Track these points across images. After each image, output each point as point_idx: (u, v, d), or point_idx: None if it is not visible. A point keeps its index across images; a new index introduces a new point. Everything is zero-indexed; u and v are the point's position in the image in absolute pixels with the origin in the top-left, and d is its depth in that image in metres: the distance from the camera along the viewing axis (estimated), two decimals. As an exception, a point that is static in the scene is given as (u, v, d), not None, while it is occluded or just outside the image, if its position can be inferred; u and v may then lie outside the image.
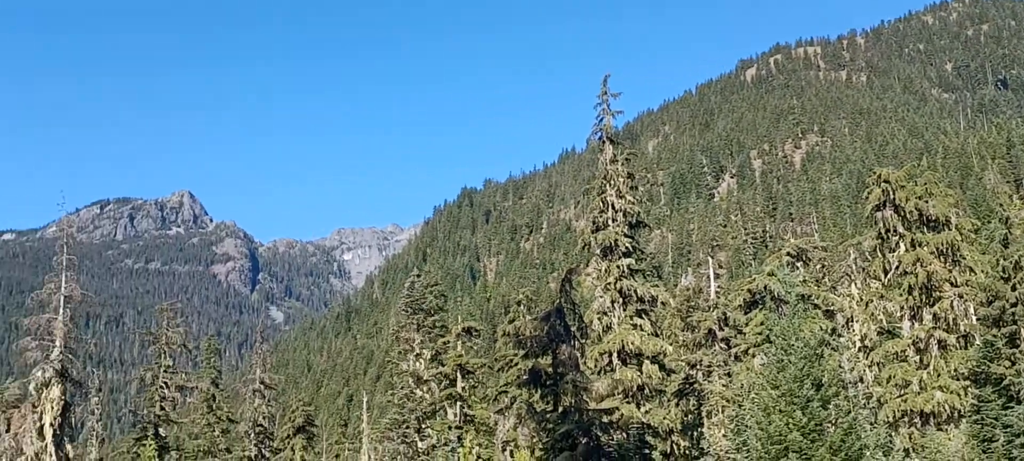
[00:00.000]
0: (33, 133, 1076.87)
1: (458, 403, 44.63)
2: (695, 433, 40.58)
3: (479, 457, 38.75)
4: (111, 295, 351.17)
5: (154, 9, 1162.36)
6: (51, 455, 26.67)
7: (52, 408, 26.90)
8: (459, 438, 41.11)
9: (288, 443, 57.42)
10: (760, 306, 45.33)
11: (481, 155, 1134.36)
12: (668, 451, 38.32)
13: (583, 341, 36.31)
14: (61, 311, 28.41)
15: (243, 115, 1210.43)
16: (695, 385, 43.30)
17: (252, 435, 53.33)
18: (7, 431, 27.94)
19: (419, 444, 43.05)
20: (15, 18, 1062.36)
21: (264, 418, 54.57)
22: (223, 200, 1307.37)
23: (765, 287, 44.95)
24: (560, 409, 32.80)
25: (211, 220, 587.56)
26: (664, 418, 37.20)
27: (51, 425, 26.90)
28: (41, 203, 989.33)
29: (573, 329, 34.52)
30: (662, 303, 38.37)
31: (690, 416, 41.55)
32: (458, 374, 45.11)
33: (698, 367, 46.27)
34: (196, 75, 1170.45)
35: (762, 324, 42.76)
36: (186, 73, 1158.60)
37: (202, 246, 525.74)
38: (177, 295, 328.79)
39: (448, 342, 46.38)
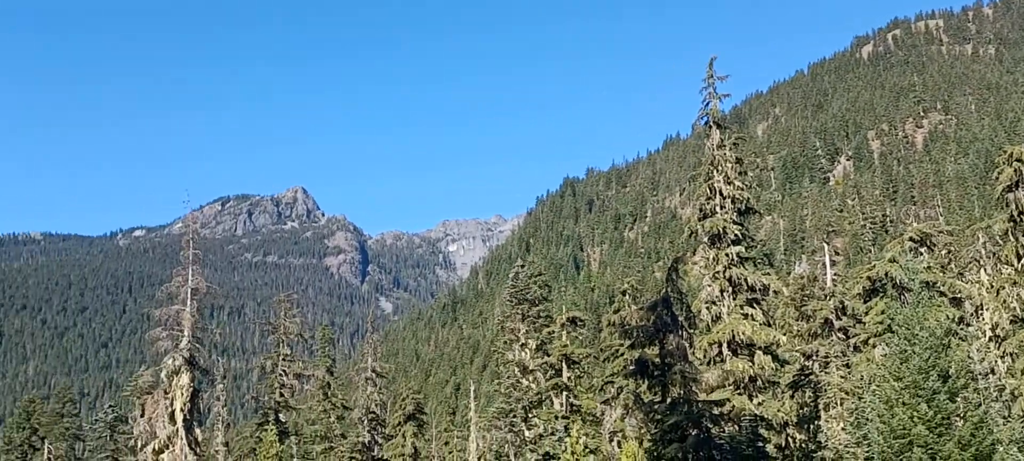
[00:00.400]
0: (160, 134, 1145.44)
1: (564, 393, 44.62)
2: (812, 426, 39.15)
3: (586, 447, 38.58)
4: (233, 287, 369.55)
5: (260, 6, 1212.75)
6: (182, 439, 28.26)
7: (182, 394, 28.50)
8: (566, 428, 41.08)
9: (399, 430, 58.98)
10: (881, 294, 43.20)
11: (583, 144, 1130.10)
12: (783, 444, 37.09)
13: (691, 331, 35.61)
14: (188, 303, 29.99)
15: (351, 110, 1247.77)
16: (811, 376, 41.75)
17: (365, 421, 54.99)
18: (141, 416, 29.78)
19: (526, 433, 43.31)
20: (138, 19, 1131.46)
21: (376, 405, 56.17)
22: (334, 195, 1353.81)
23: (886, 274, 42.79)
24: (668, 400, 32.28)
25: (323, 214, 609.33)
26: (778, 410, 35.99)
27: (181, 410, 28.50)
28: (168, 201, 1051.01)
29: (680, 319, 33.88)
30: (774, 292, 37.13)
31: (806, 408, 40.10)
32: (563, 364, 45.08)
33: (814, 358, 44.59)
34: (307, 72, 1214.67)
35: (883, 313, 40.72)
36: (297, 70, 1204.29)
37: (315, 239, 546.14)
38: (293, 287, 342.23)
39: (553, 332, 46.40)
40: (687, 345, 33.96)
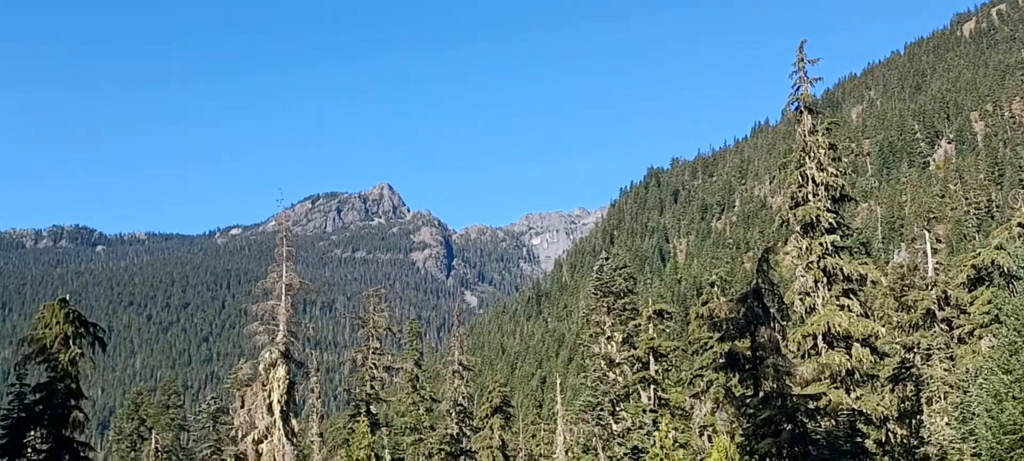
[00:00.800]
0: (252, 133, 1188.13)
1: (652, 386, 44.10)
2: (913, 421, 37.57)
3: (675, 441, 38.03)
4: (323, 282, 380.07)
5: (339, 4, 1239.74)
6: (279, 429, 29.26)
7: (279, 386, 29.50)
8: (654, 421, 40.59)
9: (487, 422, 59.49)
10: (987, 283, 41.07)
11: (667, 134, 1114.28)
12: (883, 440, 35.70)
13: (784, 323, 34.61)
14: (283, 298, 31.02)
15: (434, 106, 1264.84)
16: (912, 369, 40.03)
17: (453, 414, 55.68)
18: (241, 407, 30.98)
19: (614, 426, 43.00)
20: (230, 20, 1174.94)
21: (463, 398, 56.80)
22: (418, 190, 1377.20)
23: (992, 262, 40.64)
24: (761, 394, 31.44)
25: (408, 210, 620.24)
26: (877, 405, 34.66)
27: (278, 402, 29.51)
28: (262, 200, 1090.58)
29: (772, 311, 32.95)
30: (872, 282, 35.77)
31: (907, 403, 38.50)
32: (651, 357, 44.55)
33: (915, 350, 42.73)
34: (389, 67, 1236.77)
35: (990, 303, 38.69)
36: (379, 66, 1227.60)
37: (401, 235, 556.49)
38: (380, 282, 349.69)
39: (639, 325, 45.91)
40: (780, 338, 33.01)
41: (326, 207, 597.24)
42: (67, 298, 35.55)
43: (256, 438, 29.10)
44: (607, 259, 49.21)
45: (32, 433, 31.24)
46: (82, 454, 32.84)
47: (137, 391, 73.90)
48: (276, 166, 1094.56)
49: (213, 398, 45.32)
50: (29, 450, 30.92)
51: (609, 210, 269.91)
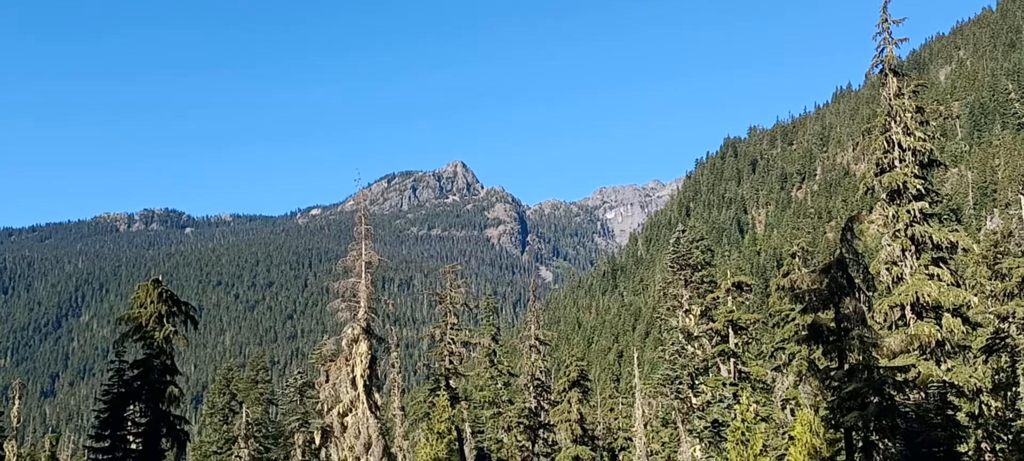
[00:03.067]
0: (330, 115, 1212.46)
1: (731, 359, 43.47)
2: (1009, 393, 35.99)
3: (756, 415, 37.47)
4: (401, 260, 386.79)
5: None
6: (363, 402, 30.05)
7: (361, 361, 30.27)
8: (735, 395, 40.06)
9: (565, 396, 59.73)
10: (1091, 249, 38.82)
11: (744, 102, 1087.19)
12: (976, 413, 34.38)
13: (869, 294, 33.56)
14: (363, 275, 31.70)
15: (505, 82, 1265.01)
16: (1007, 340, 38.26)
17: (531, 388, 56.11)
18: (326, 381, 31.91)
19: (693, 399, 42.62)
20: (308, 5, 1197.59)
21: (541, 372, 57.15)
22: (491, 167, 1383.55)
23: (1097, 227, 38.36)
24: (846, 366, 30.63)
25: (482, 187, 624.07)
26: (970, 377, 33.35)
27: (362, 376, 30.29)
28: (340, 180, 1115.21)
29: (857, 281, 31.97)
30: (963, 249, 34.32)
31: (1002, 374, 36.89)
32: (730, 330, 43.89)
33: (1011, 320, 40.82)
34: (460, 45, 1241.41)
35: (1094, 270, 36.61)
36: (449, 44, 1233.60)
37: (475, 212, 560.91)
38: (456, 258, 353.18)
39: (718, 298, 45.22)
40: (865, 309, 32.03)
41: (401, 186, 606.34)
42: (160, 279, 37.21)
43: (341, 411, 29.98)
44: (684, 232, 48.55)
45: (131, 407, 32.92)
46: (178, 427, 34.47)
47: (227, 367, 76.90)
48: (352, 146, 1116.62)
49: (299, 373, 46.84)
50: (129, 423, 32.60)
51: (684, 182, 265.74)
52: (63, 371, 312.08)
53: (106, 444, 32.06)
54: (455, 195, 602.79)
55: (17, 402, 54.27)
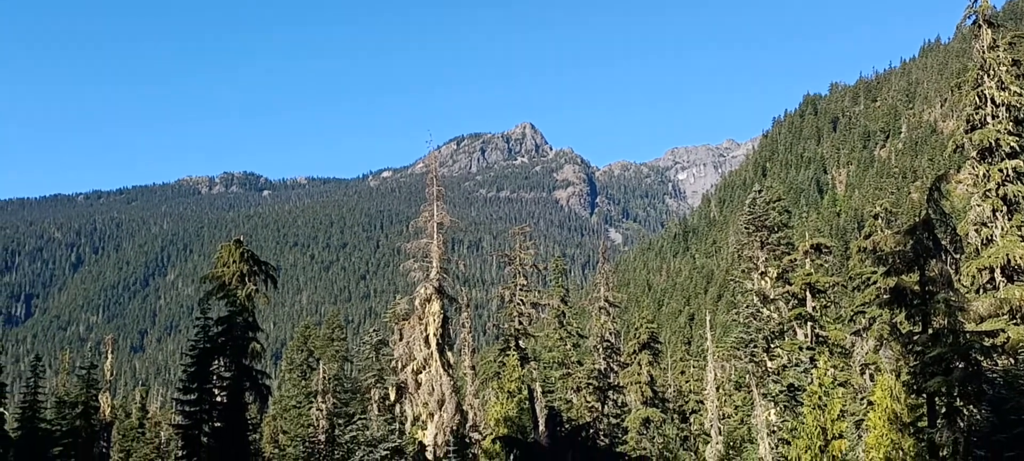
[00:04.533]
0: (399, 78, 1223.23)
1: (808, 323, 42.50)
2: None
3: (834, 380, 36.61)
4: (470, 222, 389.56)
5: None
6: (436, 360, 30.58)
7: (434, 320, 30.76)
8: (812, 359, 39.21)
9: (634, 358, 59.54)
10: None
11: (825, 59, 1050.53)
12: (1070, 381, 32.80)
13: (956, 256, 32.27)
14: (435, 236, 32.08)
15: (575, 42, 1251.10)
16: (1107, 306, 36.28)
17: (600, 349, 56.09)
18: (400, 339, 32.56)
19: (768, 364, 41.90)
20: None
21: (610, 334, 57.03)
22: (560, 128, 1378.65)
23: None
24: (930, 331, 29.62)
25: (551, 148, 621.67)
26: (1064, 343, 31.78)
27: (434, 334, 30.80)
28: (409, 142, 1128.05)
29: (944, 242, 30.78)
30: (1060, 210, 32.51)
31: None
32: (807, 293, 42.85)
33: (1111, 285, 38.66)
34: (528, 7, 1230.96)
35: None
36: (518, 6, 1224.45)
37: (544, 173, 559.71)
38: (524, 220, 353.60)
39: (795, 260, 44.13)
40: (952, 271, 30.84)
41: (470, 148, 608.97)
42: (241, 239, 38.38)
43: (415, 368, 30.58)
44: (760, 192, 47.38)
45: (216, 362, 34.23)
46: (260, 381, 35.73)
47: (305, 325, 79.19)
48: (422, 109, 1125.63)
49: (374, 331, 47.91)
50: (214, 377, 33.93)
51: (761, 141, 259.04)
52: (151, 328, 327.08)
53: (193, 397, 33.47)
54: (524, 157, 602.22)
55: (110, 357, 57.12)
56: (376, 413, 42.03)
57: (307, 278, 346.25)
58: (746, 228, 45.74)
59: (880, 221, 38.55)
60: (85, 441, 49.72)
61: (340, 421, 48.46)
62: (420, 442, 32.62)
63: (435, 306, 30.92)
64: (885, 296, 32.62)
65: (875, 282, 36.54)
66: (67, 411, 50.86)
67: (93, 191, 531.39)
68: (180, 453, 35.02)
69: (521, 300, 51.43)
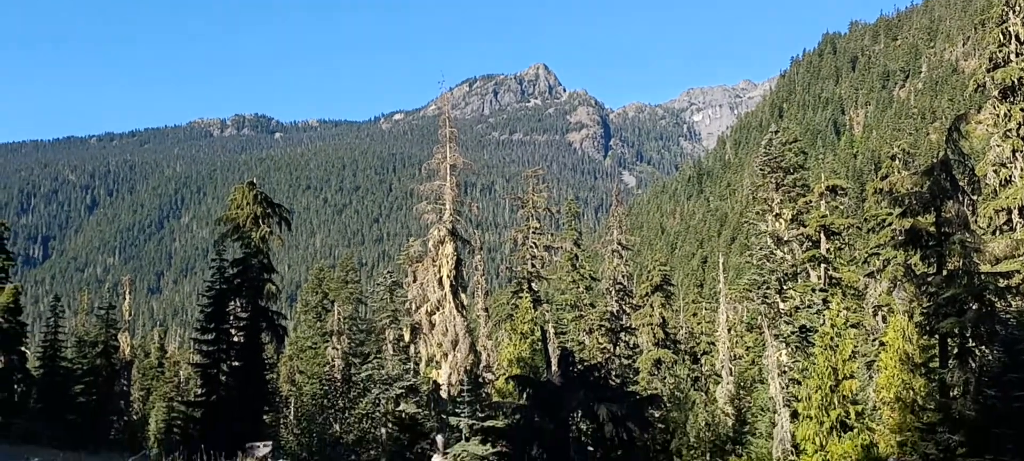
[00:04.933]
0: (410, 19, 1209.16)
1: (822, 265, 42.39)
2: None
3: (846, 321, 36.67)
4: (483, 164, 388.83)
5: None
6: (450, 301, 30.77)
7: (447, 262, 30.85)
8: (824, 301, 39.20)
9: (647, 300, 59.79)
10: None
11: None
12: (1085, 323, 32.70)
13: (974, 197, 31.93)
14: (448, 177, 31.94)
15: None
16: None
17: (612, 292, 56.25)
18: (414, 281, 32.73)
19: (781, 305, 41.92)
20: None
21: (623, 277, 57.12)
22: (574, 70, 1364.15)
23: None
24: (945, 272, 29.47)
25: (564, 90, 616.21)
26: (1081, 285, 31.61)
27: (448, 276, 30.93)
28: (421, 85, 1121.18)
29: (961, 183, 30.39)
30: (1082, 151, 32.05)
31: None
32: (822, 235, 42.64)
33: None
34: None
35: None
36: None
37: (557, 116, 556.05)
38: (537, 163, 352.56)
39: (810, 202, 43.82)
40: (968, 213, 30.51)
41: (483, 90, 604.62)
42: (254, 181, 38.46)
43: (429, 310, 30.80)
44: (776, 133, 46.81)
45: (232, 303, 34.62)
46: (276, 322, 36.16)
47: (319, 268, 79.77)
48: (434, 51, 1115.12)
49: (388, 272, 48.19)
50: (231, 317, 34.35)
51: (778, 82, 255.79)
52: (167, 269, 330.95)
53: (211, 337, 33.95)
54: (537, 99, 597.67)
55: (127, 297, 57.84)
56: (391, 353, 42.54)
57: (320, 221, 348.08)
58: (761, 170, 45.36)
59: (898, 162, 38.15)
60: (106, 379, 50.68)
61: (355, 361, 49.13)
62: (434, 381, 33.04)
63: (448, 248, 30.99)
64: (900, 237, 32.43)
65: (890, 224, 36.31)
66: (87, 350, 51.75)
67: (106, 133, 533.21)
68: (199, 391, 35.68)
69: (534, 243, 51.49)
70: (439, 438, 30.12)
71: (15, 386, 46.13)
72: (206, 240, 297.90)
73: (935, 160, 30.36)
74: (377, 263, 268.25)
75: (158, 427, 61.27)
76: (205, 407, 33.29)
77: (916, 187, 29.66)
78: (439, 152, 32.91)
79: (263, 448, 25.44)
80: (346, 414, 43.49)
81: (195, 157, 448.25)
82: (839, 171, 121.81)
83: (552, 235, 54.80)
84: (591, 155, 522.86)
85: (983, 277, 29.13)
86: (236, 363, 33.41)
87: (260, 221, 35.50)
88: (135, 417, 62.02)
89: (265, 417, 36.41)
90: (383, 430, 38.74)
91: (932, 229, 29.76)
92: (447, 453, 28.69)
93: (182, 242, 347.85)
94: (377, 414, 39.28)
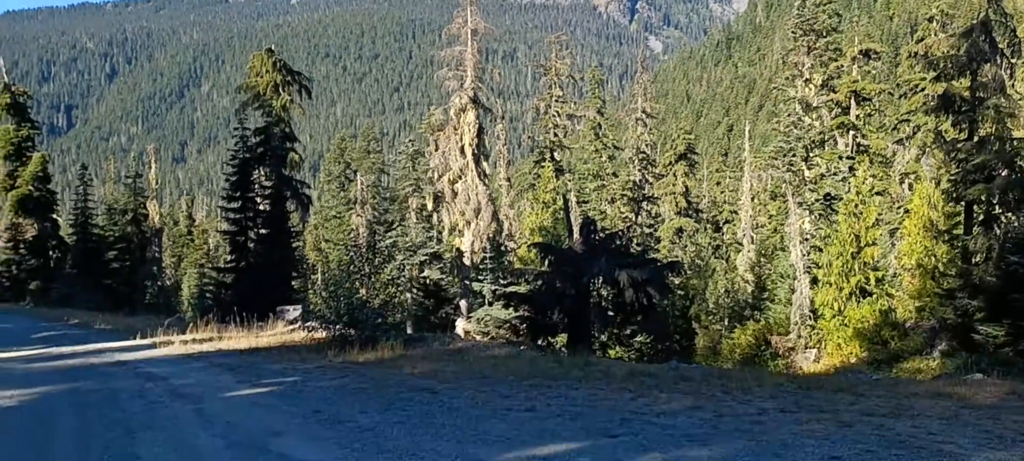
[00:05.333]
0: None
1: (850, 132, 41.65)
2: None
3: (872, 188, 36.30)
4: (504, 30, 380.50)
5: None
6: (472, 170, 30.74)
7: (469, 130, 30.61)
8: (851, 168, 38.74)
9: (670, 169, 59.52)
10: None
11: None
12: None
13: (1013, 61, 30.83)
14: (469, 43, 31.25)
15: None
16: None
17: (636, 161, 55.98)
18: (436, 150, 32.63)
19: (806, 173, 41.52)
20: None
21: (646, 145, 56.69)
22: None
23: None
24: (976, 138, 28.85)
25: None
26: (1118, 152, 30.83)
27: (470, 145, 30.76)
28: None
29: (1001, 45, 29.28)
30: None
31: None
32: (852, 101, 41.69)
33: None
34: None
35: None
36: None
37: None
38: (561, 28, 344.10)
39: (841, 66, 42.62)
40: (1005, 76, 29.56)
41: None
42: (273, 49, 37.92)
43: (451, 178, 30.83)
44: (810, -7, 45.06)
45: (256, 171, 34.84)
46: (300, 191, 36.49)
47: (341, 137, 79.89)
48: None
49: (410, 141, 48.19)
50: (256, 186, 34.66)
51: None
52: (190, 139, 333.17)
53: (237, 204, 34.37)
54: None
55: (153, 166, 58.47)
56: (414, 221, 43.06)
57: (340, 90, 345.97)
58: (793, 33, 43.96)
59: (935, 24, 36.72)
60: (138, 246, 51.96)
61: (379, 228, 49.86)
62: (457, 248, 33.48)
63: (470, 116, 30.69)
64: (932, 103, 31.60)
65: (923, 88, 35.36)
66: (118, 218, 52.82)
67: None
68: (229, 257, 36.47)
69: (557, 111, 50.94)
70: (462, 303, 30.79)
71: (50, 253, 47.47)
72: (227, 109, 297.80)
73: (974, 21, 29.16)
74: (399, 133, 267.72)
75: (191, 292, 63.22)
76: (235, 273, 34.10)
77: (953, 49, 28.64)
78: (459, 16, 32.10)
79: (293, 311, 26.19)
80: (372, 279, 44.52)
81: (211, 23, 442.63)
82: (874, 34, 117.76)
83: (575, 103, 54.13)
84: (616, 19, 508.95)
85: (1016, 142, 28.50)
86: (263, 230, 33.94)
87: (280, 89, 35.23)
88: (168, 283, 63.93)
89: (294, 283, 37.30)
90: (408, 295, 39.66)
91: (966, 93, 28.95)
92: (470, 317, 29.40)
93: (203, 111, 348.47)
94: (402, 280, 40.13)
